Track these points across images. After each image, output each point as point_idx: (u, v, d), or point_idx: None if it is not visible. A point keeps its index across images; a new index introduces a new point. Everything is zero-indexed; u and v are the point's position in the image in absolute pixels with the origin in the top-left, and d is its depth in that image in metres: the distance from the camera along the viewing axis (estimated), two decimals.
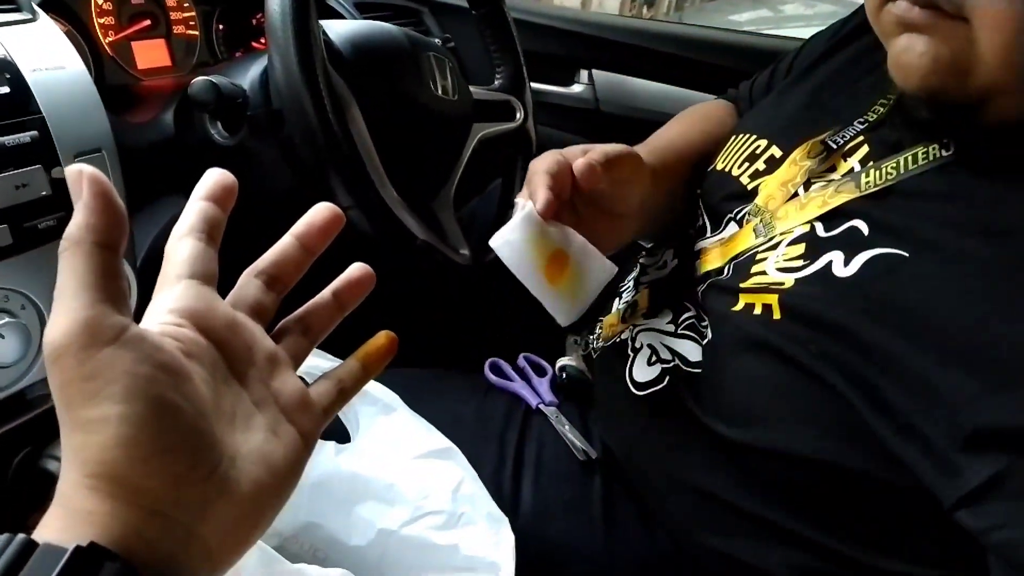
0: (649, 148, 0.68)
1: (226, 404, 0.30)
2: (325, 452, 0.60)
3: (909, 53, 0.43)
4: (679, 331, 0.54)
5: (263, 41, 0.93)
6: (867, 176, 0.47)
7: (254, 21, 0.94)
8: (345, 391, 0.36)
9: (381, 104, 0.70)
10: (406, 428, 0.61)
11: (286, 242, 0.36)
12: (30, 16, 0.61)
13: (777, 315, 0.45)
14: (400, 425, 0.61)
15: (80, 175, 0.27)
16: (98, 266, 0.27)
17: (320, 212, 0.36)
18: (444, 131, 0.80)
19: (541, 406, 0.65)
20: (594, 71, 1.27)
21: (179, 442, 0.27)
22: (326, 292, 0.38)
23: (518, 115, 0.91)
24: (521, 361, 0.71)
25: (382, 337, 0.38)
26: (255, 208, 0.78)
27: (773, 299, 0.46)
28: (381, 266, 0.54)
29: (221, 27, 0.90)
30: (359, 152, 0.63)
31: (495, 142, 0.87)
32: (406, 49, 0.76)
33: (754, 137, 0.60)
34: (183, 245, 0.33)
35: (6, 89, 0.54)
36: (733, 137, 0.64)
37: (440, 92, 0.78)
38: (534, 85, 1.00)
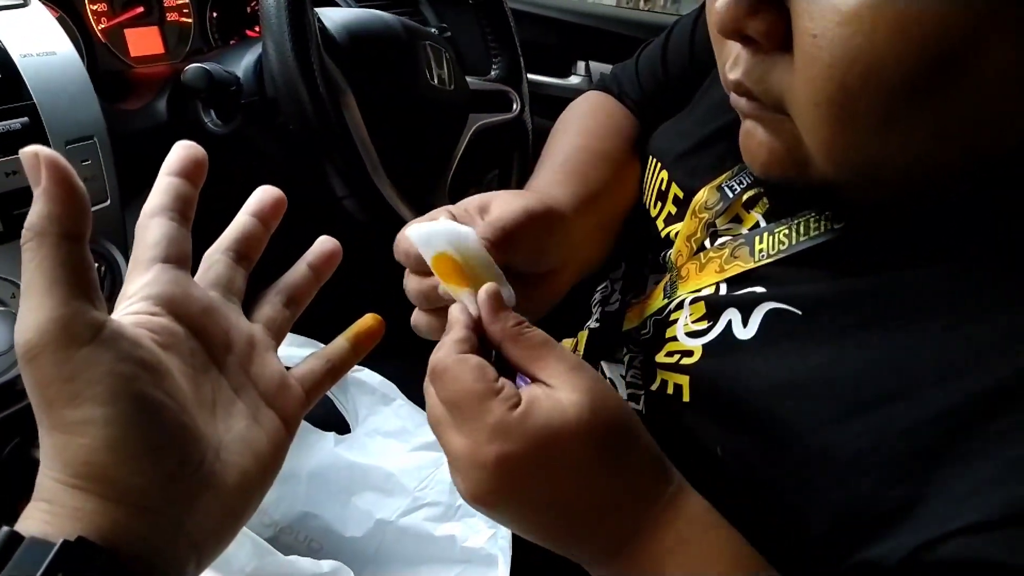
0: (559, 176, 0.57)
1: (206, 394, 0.30)
2: (324, 443, 0.60)
3: (750, 140, 0.40)
4: (628, 378, 0.52)
5: (257, 29, 0.92)
6: (760, 243, 0.44)
7: (248, 9, 0.93)
8: (334, 370, 0.36)
9: (377, 93, 0.70)
10: (405, 419, 0.61)
11: (244, 219, 0.36)
12: (21, 1, 0.60)
13: (687, 397, 0.44)
14: (399, 416, 0.61)
15: (37, 158, 0.25)
16: (67, 259, 0.25)
17: (266, 191, 0.37)
18: (440, 121, 0.80)
19: None
20: (591, 62, 1.26)
21: (166, 439, 0.27)
22: (300, 264, 0.38)
23: (515, 106, 0.91)
24: None
25: (370, 319, 0.38)
26: (249, 196, 0.77)
27: (684, 380, 0.44)
28: (375, 255, 0.54)
29: (215, 14, 0.89)
30: (354, 141, 0.63)
31: (492, 133, 0.86)
32: (402, 38, 0.75)
33: (660, 166, 0.55)
34: (154, 225, 0.31)
35: None
36: (647, 162, 0.58)
37: (436, 82, 0.77)
38: (531, 76, 1.00)
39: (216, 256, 0.34)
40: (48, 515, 0.25)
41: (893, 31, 0.29)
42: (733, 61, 0.37)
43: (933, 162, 0.35)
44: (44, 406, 0.26)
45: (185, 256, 0.32)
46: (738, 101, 0.39)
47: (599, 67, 1.25)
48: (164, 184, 0.32)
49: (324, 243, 0.39)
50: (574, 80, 1.28)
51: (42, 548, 0.23)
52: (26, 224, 0.25)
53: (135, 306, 0.30)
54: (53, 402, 0.25)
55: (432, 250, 0.38)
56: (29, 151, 0.25)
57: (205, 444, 0.28)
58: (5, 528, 0.24)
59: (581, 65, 1.28)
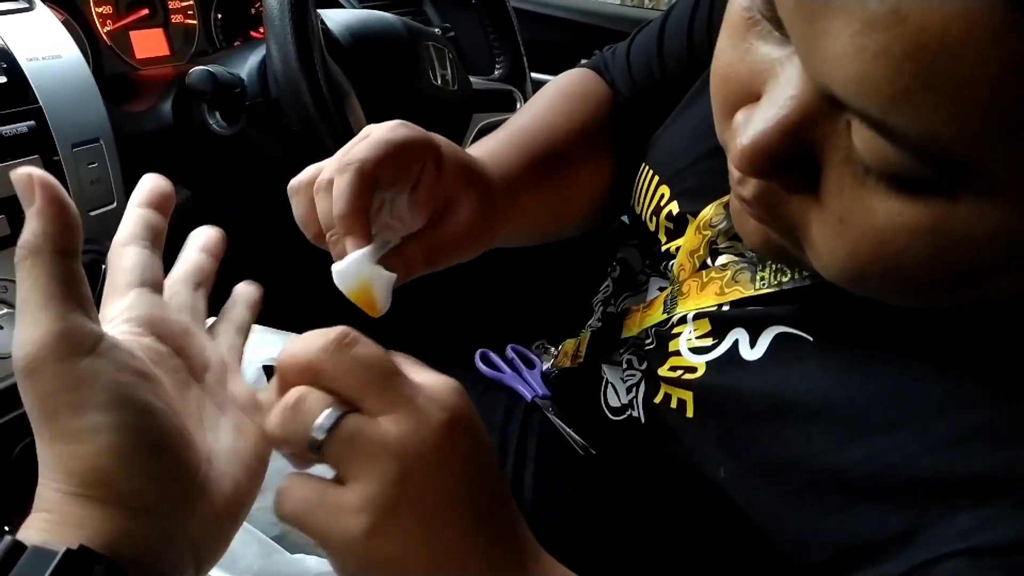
0: (505, 141, 0.56)
1: (192, 408, 0.31)
2: None
3: (745, 223, 0.38)
4: (626, 381, 0.52)
5: (261, 31, 0.93)
6: (762, 270, 0.43)
7: (252, 10, 0.93)
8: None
9: (380, 94, 0.70)
10: None
11: (193, 256, 0.37)
12: (27, 5, 0.61)
13: (690, 413, 0.43)
14: None
15: (31, 180, 0.26)
16: (62, 274, 0.26)
17: (207, 230, 0.38)
18: (443, 121, 0.80)
19: (536, 399, 0.65)
20: None
21: (165, 443, 0.27)
22: (234, 301, 0.38)
23: (518, 105, 0.91)
24: (509, 352, 0.71)
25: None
26: (253, 197, 0.78)
27: (687, 395, 0.44)
28: None
29: (219, 16, 0.89)
30: None
31: None
32: (405, 38, 0.76)
33: (656, 179, 0.53)
34: (128, 253, 0.32)
35: (3, 79, 0.54)
36: (640, 169, 0.56)
37: (439, 82, 0.77)
38: (534, 75, 1.00)
39: (176, 287, 0.35)
40: (49, 524, 0.25)
41: (928, 254, 0.28)
42: (743, 176, 0.34)
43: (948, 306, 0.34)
44: (45, 418, 0.26)
45: (159, 283, 0.33)
46: (743, 203, 0.36)
47: None
48: (134, 215, 0.34)
49: (245, 289, 0.39)
50: None
51: (45, 556, 0.23)
52: (20, 243, 0.26)
53: (118, 328, 0.30)
54: (55, 413, 0.26)
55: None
56: (22, 172, 0.26)
57: (199, 452, 0.29)
58: (8, 538, 0.24)
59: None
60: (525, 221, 0.55)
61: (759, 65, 0.31)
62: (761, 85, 0.31)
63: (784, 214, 0.33)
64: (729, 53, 0.32)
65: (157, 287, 0.33)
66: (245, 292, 0.39)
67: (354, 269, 0.39)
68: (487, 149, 0.54)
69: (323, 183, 0.41)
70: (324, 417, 0.28)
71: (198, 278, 0.36)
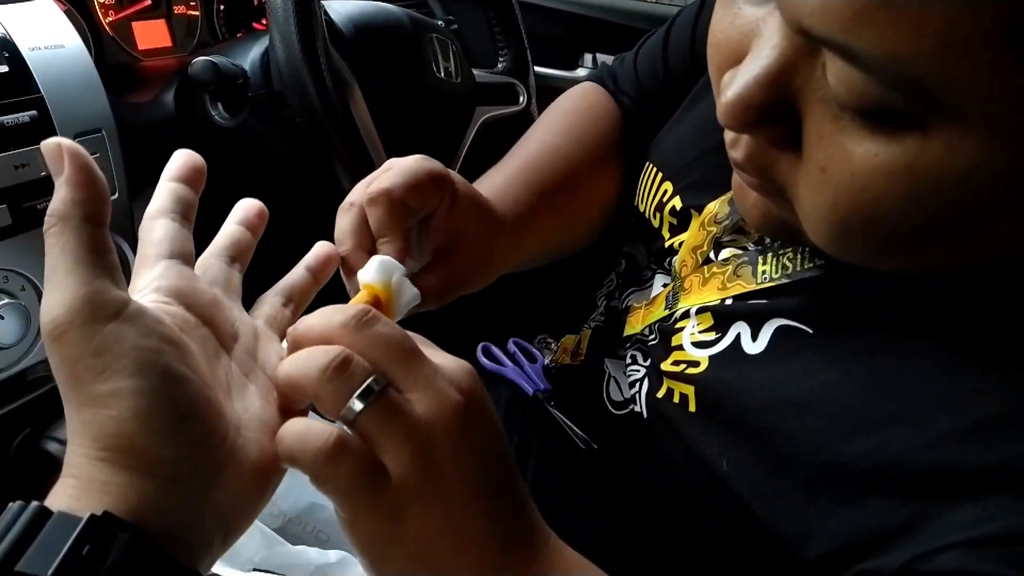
0: (515, 175, 0.56)
1: (221, 376, 0.31)
2: None
3: (744, 198, 0.39)
4: (628, 372, 0.52)
5: (264, 22, 0.92)
6: (764, 264, 0.43)
7: (255, 1, 0.93)
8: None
9: (383, 86, 0.70)
10: None
11: (231, 228, 0.37)
12: None
13: (692, 407, 0.44)
14: None
15: (60, 149, 0.26)
16: (89, 241, 0.27)
17: (248, 202, 0.38)
18: (446, 114, 0.80)
19: (538, 393, 0.65)
20: (598, 55, 1.26)
21: (192, 411, 0.27)
22: (299, 267, 0.39)
23: (521, 99, 0.91)
24: (511, 346, 0.71)
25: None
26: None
27: (689, 390, 0.44)
28: None
29: (222, 7, 0.89)
30: (360, 134, 0.63)
31: (498, 125, 0.86)
32: (408, 30, 0.75)
33: (659, 176, 0.54)
34: (158, 226, 0.33)
35: (5, 68, 0.54)
36: (644, 167, 0.56)
37: (443, 74, 0.77)
38: (538, 69, 1.00)
39: (210, 260, 0.36)
40: (76, 490, 0.25)
41: (906, 198, 0.28)
42: (735, 139, 0.36)
43: (936, 270, 0.34)
44: (71, 383, 0.26)
45: (189, 255, 0.33)
46: (739, 171, 0.38)
47: (606, 59, 1.25)
48: (165, 188, 0.34)
49: (322, 247, 0.40)
50: (581, 73, 1.27)
51: (69, 523, 0.24)
52: (49, 211, 0.26)
53: (147, 297, 0.31)
54: (81, 377, 0.26)
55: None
56: (52, 142, 0.26)
57: (226, 421, 0.29)
58: (34, 503, 0.24)
59: (588, 57, 1.27)
60: (535, 247, 0.56)
61: (746, 27, 0.32)
62: (747, 46, 0.32)
63: (775, 175, 0.34)
64: (720, 21, 0.34)
65: (187, 259, 0.33)
66: (312, 253, 0.40)
67: (387, 266, 0.39)
68: (494, 186, 0.55)
69: (346, 204, 0.42)
70: (368, 385, 0.28)
71: (233, 252, 0.37)
